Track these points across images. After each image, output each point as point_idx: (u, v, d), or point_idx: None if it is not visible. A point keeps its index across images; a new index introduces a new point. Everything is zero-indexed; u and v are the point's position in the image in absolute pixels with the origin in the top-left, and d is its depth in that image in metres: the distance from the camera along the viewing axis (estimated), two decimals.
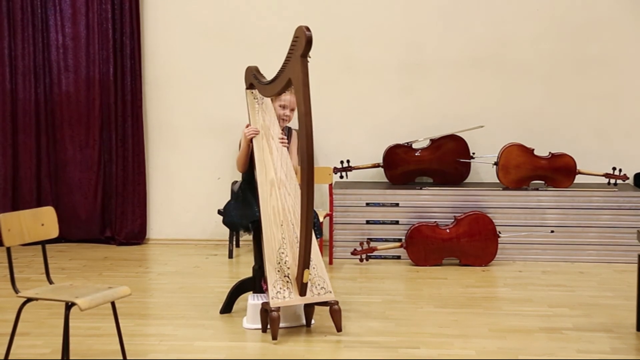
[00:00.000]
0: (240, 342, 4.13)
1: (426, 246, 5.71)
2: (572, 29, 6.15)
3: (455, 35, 6.25)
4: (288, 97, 4.45)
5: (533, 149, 5.95)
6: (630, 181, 6.03)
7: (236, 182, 6.03)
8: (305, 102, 3.96)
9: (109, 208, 6.51)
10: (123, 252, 6.25)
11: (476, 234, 5.69)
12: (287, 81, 4.09)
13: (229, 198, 6.01)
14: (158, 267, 5.84)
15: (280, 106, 4.50)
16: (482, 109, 6.25)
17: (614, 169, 5.93)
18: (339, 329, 4.18)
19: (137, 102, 6.38)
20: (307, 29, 3.90)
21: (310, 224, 4.05)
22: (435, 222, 5.77)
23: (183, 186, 6.51)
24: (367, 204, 5.95)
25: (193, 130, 6.48)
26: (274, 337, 4.05)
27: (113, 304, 3.60)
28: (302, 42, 3.91)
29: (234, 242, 6.13)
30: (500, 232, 5.71)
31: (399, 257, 5.85)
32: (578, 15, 6.14)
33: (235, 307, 4.55)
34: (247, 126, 4.44)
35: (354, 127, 6.37)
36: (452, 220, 5.77)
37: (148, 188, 6.51)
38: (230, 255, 5.99)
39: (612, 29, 6.11)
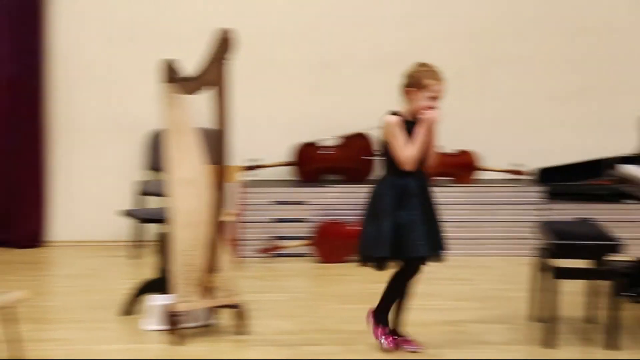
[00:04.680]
0: (141, 343, 4.09)
1: (333, 243, 5.76)
2: (478, 28, 6.27)
3: (364, 34, 6.31)
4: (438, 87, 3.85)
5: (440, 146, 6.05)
6: (533, 176, 6.19)
7: (148, 181, 5.96)
8: (222, 104, 4.00)
9: (2, 211, 6.29)
10: (20, 255, 6.05)
11: None
12: (207, 81, 4.04)
13: (131, 199, 5.95)
14: (57, 269, 5.73)
15: (431, 98, 3.78)
16: (391, 107, 6.30)
17: (516, 164, 6.08)
18: (243, 331, 4.17)
19: (38, 101, 6.22)
20: (228, 31, 3.91)
21: (217, 224, 4.04)
22: (343, 219, 5.82)
23: (86, 187, 6.38)
24: (277, 202, 5.96)
25: (99, 130, 6.36)
26: (177, 339, 4.03)
27: (8, 308, 3.51)
28: (224, 44, 3.94)
29: (138, 243, 6.04)
30: None
31: (306, 255, 5.88)
32: (484, 15, 6.27)
33: (138, 308, 4.50)
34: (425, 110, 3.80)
35: (264, 125, 6.37)
36: (360, 217, 5.83)
37: (49, 189, 6.35)
38: (134, 256, 5.88)
39: (516, 29, 6.25)
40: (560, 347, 3.95)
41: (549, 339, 3.97)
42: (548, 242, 4.10)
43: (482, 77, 6.31)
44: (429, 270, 5.45)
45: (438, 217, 3.91)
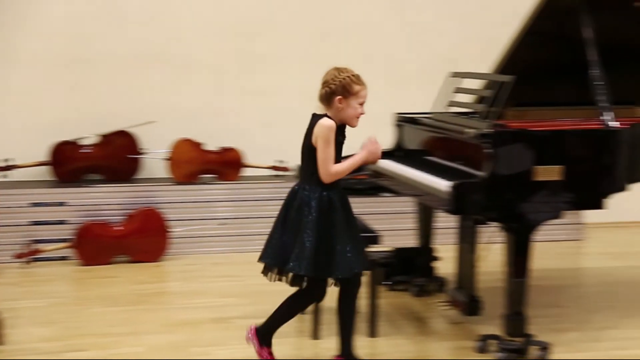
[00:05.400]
0: None
1: (96, 245, 5.55)
2: (240, 25, 6.30)
3: (124, 29, 6.15)
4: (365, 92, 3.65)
5: (203, 144, 6.04)
6: (295, 172, 6.32)
7: None
8: None
9: None
10: None
11: (147, 230, 5.64)
12: None
13: None
14: None
15: (360, 104, 3.62)
16: (153, 104, 6.21)
17: (280, 161, 6.20)
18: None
19: None
20: None
21: None
22: (106, 219, 5.64)
23: None
24: (33, 204, 5.66)
25: None
26: None
27: None
28: None
29: None
30: (171, 227, 5.72)
31: (67, 258, 5.62)
32: (243, 12, 6.32)
33: None
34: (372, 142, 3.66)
35: (17, 125, 6.02)
36: (124, 217, 5.68)
37: None
38: None
39: (275, 27, 6.36)
40: (326, 337, 4.06)
41: (315, 331, 4.07)
42: None
43: (244, 73, 6.35)
44: (196, 269, 5.47)
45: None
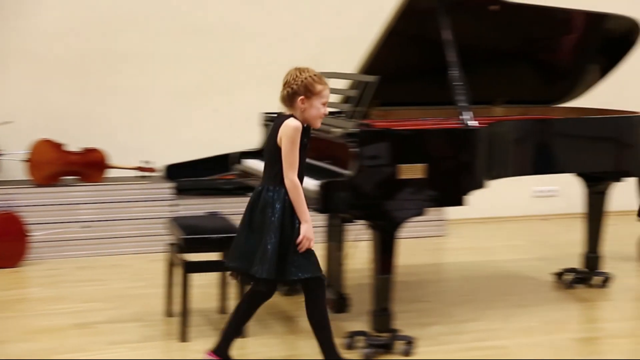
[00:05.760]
0: None
1: None
2: (103, 23, 6.14)
3: None
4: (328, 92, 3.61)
5: (64, 144, 5.85)
6: (161, 173, 6.22)
7: None
8: None
9: None
10: None
11: (4, 235, 5.41)
12: None
13: None
14: None
15: (323, 104, 3.54)
16: (11, 104, 5.96)
17: (146, 162, 6.08)
18: None
19: None
20: None
21: None
22: None
23: None
24: None
25: None
26: None
27: None
28: None
29: None
30: (31, 231, 5.51)
31: None
32: (106, 9, 6.16)
33: None
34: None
35: None
36: None
37: None
38: None
39: (140, 25, 6.23)
40: (194, 339, 4.02)
41: (183, 333, 4.02)
42: (178, 237, 4.14)
43: (108, 73, 6.20)
44: (57, 274, 5.29)
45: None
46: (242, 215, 3.57)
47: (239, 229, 3.58)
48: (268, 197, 3.46)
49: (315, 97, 3.47)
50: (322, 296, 3.56)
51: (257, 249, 3.44)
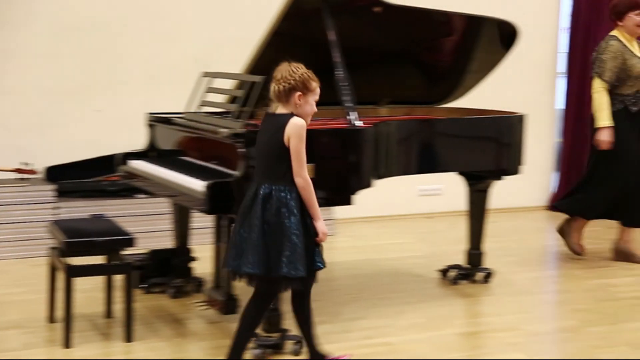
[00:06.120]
0: None
1: None
2: None
3: None
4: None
5: None
6: (42, 175, 6.03)
7: None
8: None
9: None
10: None
11: None
12: None
13: None
14: None
15: (315, 101, 3.53)
16: None
17: (25, 163, 5.88)
18: None
19: None
20: None
21: None
22: None
23: None
24: None
25: None
26: None
27: None
28: None
29: None
30: None
31: None
32: None
33: None
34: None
35: None
36: None
37: None
38: None
39: (16, 22, 6.02)
40: (78, 345, 3.91)
41: (66, 339, 3.91)
42: (60, 240, 4.03)
43: None
44: None
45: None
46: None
47: (248, 234, 3.45)
48: (281, 197, 3.42)
49: (311, 93, 3.47)
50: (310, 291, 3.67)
51: (280, 251, 3.39)
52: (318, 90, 3.51)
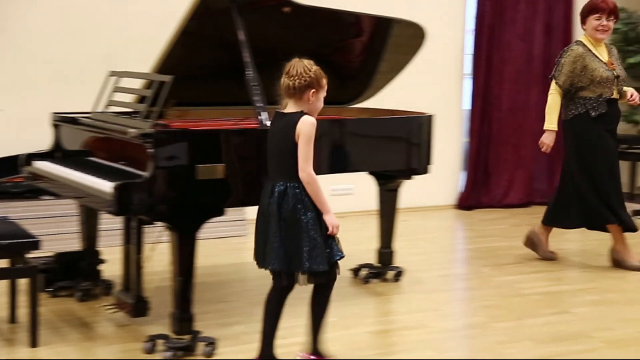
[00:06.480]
0: None
1: None
2: None
3: None
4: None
5: None
6: None
7: None
8: None
9: None
10: None
11: None
12: None
13: None
14: None
15: (324, 98, 3.54)
16: None
17: None
18: None
19: None
20: None
21: None
22: None
23: None
24: None
25: None
26: None
27: None
28: None
29: None
30: None
31: None
32: None
33: None
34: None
35: None
36: None
37: None
38: None
39: None
40: (44, 345, 3.82)
41: (33, 339, 3.79)
42: None
43: None
44: None
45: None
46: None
47: (264, 230, 3.52)
48: (296, 194, 3.45)
49: (322, 90, 3.49)
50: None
51: (299, 247, 3.44)
52: (326, 87, 3.54)
